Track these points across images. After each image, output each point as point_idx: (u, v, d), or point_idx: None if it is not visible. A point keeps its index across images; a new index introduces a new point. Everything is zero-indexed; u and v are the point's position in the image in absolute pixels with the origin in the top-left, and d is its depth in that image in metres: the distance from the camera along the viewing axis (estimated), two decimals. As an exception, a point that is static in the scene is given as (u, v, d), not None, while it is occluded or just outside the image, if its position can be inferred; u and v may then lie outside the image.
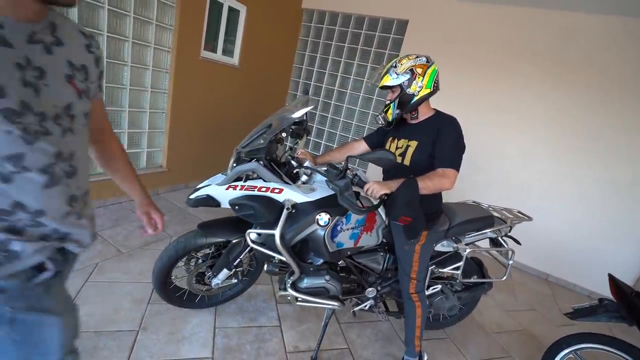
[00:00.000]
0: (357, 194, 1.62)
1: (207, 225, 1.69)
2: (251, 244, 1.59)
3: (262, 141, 1.48)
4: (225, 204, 1.52)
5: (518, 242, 2.01)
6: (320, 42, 4.45)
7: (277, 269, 1.71)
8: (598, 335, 1.62)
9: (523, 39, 3.35)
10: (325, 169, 1.57)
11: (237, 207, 1.48)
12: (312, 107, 1.58)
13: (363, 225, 1.70)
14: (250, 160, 1.49)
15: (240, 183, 1.49)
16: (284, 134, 1.54)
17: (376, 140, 1.87)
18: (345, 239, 1.67)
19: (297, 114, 1.52)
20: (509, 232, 2.01)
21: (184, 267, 1.78)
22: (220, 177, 1.56)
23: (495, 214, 1.99)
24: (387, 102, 1.59)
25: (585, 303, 1.71)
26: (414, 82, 1.51)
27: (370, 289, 1.87)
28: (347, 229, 1.66)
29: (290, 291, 1.70)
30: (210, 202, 1.52)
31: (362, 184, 1.47)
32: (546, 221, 3.35)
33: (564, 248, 3.36)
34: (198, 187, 1.57)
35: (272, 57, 4.24)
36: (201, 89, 3.37)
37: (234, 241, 1.72)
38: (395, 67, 1.52)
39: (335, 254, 1.66)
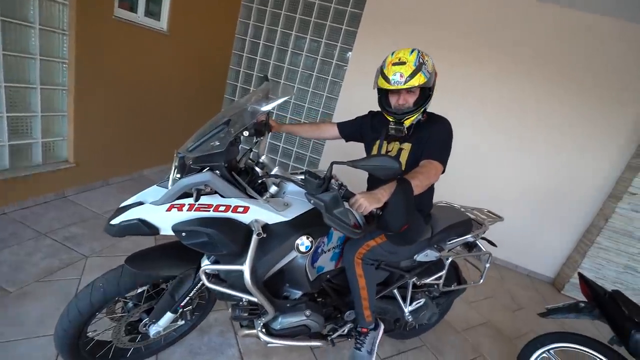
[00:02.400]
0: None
1: (138, 258, 1.21)
2: (208, 284, 1.18)
3: (217, 143, 1.06)
4: (166, 230, 1.08)
5: (494, 244, 1.93)
6: (267, 10, 3.85)
7: (247, 313, 1.33)
8: (571, 334, 1.64)
9: (484, 25, 3.25)
10: (303, 177, 1.18)
11: (184, 234, 1.06)
12: (288, 97, 1.17)
13: (344, 242, 1.44)
14: (201, 170, 1.06)
15: (188, 201, 1.06)
16: (246, 133, 1.14)
17: (349, 132, 1.69)
18: (326, 262, 1.39)
19: (269, 106, 1.16)
20: (484, 234, 1.91)
21: (106, 317, 1.27)
22: (155, 192, 1.11)
23: (470, 215, 1.91)
24: (400, 106, 1.37)
25: (560, 304, 1.71)
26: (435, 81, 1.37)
27: (349, 312, 1.60)
28: (329, 250, 1.38)
29: (263, 337, 1.35)
30: (142, 228, 1.06)
31: (349, 196, 1.15)
32: (489, 206, 3.46)
33: (505, 232, 3.54)
34: (124, 204, 1.11)
35: (210, 24, 3.53)
36: (118, 58, 2.60)
37: (180, 276, 1.27)
38: (424, 63, 1.29)
39: (316, 281, 1.36)
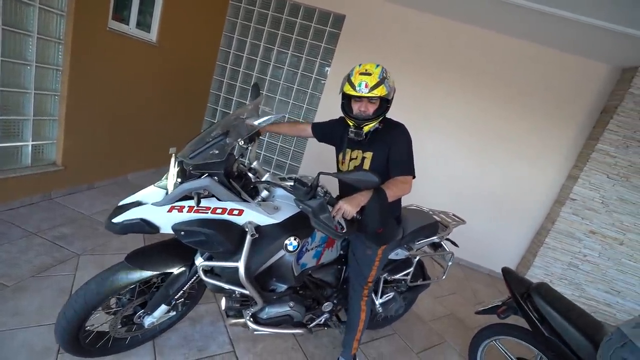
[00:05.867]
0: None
1: (137, 256, 1.34)
2: (204, 278, 1.33)
3: (217, 152, 1.19)
4: (166, 229, 1.21)
5: (456, 245, 2.19)
6: (251, 25, 4.08)
7: (239, 304, 1.50)
8: (511, 326, 1.79)
9: (450, 50, 3.65)
10: (292, 184, 1.38)
11: (183, 233, 1.19)
12: (282, 115, 1.36)
13: (326, 241, 1.59)
14: (200, 176, 1.19)
15: (188, 203, 1.19)
16: (241, 142, 1.30)
17: (321, 133, 1.78)
18: (309, 259, 1.55)
19: (265, 121, 1.27)
20: (448, 235, 2.14)
21: (103, 312, 1.38)
22: (156, 194, 1.22)
23: (437, 218, 2.14)
24: (360, 112, 1.47)
25: (491, 303, 1.91)
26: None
27: (326, 304, 1.77)
28: (312, 249, 1.53)
29: (251, 325, 1.52)
30: (145, 227, 1.18)
31: (333, 202, 1.32)
32: (454, 209, 3.82)
33: (468, 234, 3.89)
34: (122, 204, 1.21)
35: (196, 37, 3.71)
36: (109, 67, 2.72)
37: (175, 272, 1.38)
38: (387, 78, 1.43)
39: (300, 276, 1.52)
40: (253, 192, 1.38)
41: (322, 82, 4.02)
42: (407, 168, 1.48)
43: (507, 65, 3.57)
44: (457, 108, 3.76)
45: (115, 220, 1.17)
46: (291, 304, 1.56)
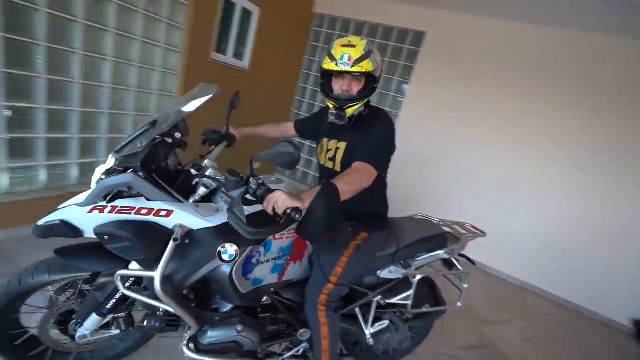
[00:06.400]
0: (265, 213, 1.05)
1: (66, 251, 1.15)
2: (123, 290, 1.10)
3: (139, 144, 1.03)
4: (89, 233, 1.05)
5: (472, 262, 1.76)
6: (330, 48, 4.31)
7: (164, 325, 1.19)
8: None
9: (538, 58, 3.31)
10: (224, 175, 1.08)
11: (107, 237, 1.01)
12: (211, 95, 1.12)
13: (290, 253, 1.30)
14: (125, 171, 1.02)
15: (111, 204, 1.02)
16: (178, 135, 1.13)
17: (303, 128, 1.63)
18: (265, 274, 1.26)
19: (189, 107, 1.10)
20: (463, 250, 1.72)
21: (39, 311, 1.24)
22: (85, 194, 1.06)
23: (447, 229, 1.71)
24: (343, 92, 1.26)
25: None
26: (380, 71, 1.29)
27: (303, 330, 1.44)
28: (267, 261, 1.25)
29: (188, 353, 1.23)
30: (65, 230, 1.03)
31: (265, 194, 1.00)
32: (557, 242, 3.33)
33: (575, 271, 3.33)
34: (58, 207, 1.08)
35: (281, 62, 4.07)
36: (210, 93, 3.16)
37: (101, 280, 1.20)
38: (373, 52, 1.21)
39: (251, 295, 1.22)
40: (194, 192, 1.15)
41: (399, 99, 4.00)
42: (369, 155, 1.19)
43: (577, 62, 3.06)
44: (564, 126, 3.33)
45: (39, 222, 1.05)
46: (239, 327, 1.25)
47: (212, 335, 1.25)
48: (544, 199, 3.44)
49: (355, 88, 1.25)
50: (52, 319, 1.25)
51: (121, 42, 2.36)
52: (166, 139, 1.10)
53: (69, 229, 1.03)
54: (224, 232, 1.06)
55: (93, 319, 1.21)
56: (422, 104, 3.84)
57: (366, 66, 1.19)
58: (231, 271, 1.13)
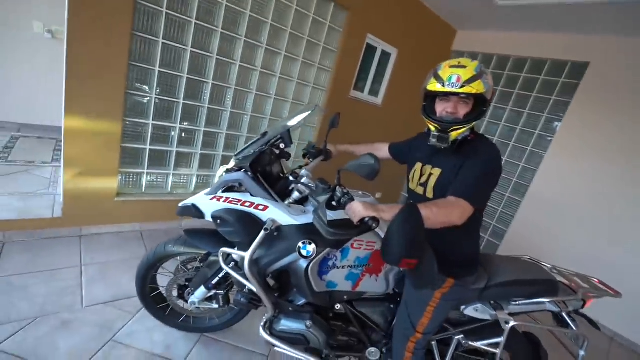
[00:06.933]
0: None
1: (192, 232, 1.48)
2: (223, 265, 1.36)
3: (252, 151, 1.30)
4: (208, 217, 1.33)
5: (596, 327, 1.38)
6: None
7: (247, 301, 1.41)
8: None
9: None
10: (315, 183, 1.27)
11: (218, 221, 1.28)
12: (309, 112, 1.35)
13: (365, 265, 1.34)
14: (239, 170, 1.31)
15: (227, 194, 1.30)
16: (282, 145, 1.33)
17: (396, 151, 1.62)
18: (339, 279, 1.33)
19: (293, 122, 1.35)
20: (582, 308, 1.36)
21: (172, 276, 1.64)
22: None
23: (561, 279, 1.38)
24: (447, 115, 1.19)
25: None
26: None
27: (372, 350, 1.47)
28: (342, 267, 1.32)
29: (263, 333, 1.41)
30: (193, 212, 1.34)
31: (347, 202, 1.09)
32: None
33: None
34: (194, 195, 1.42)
35: (412, 97, 4.18)
36: (349, 125, 3.52)
37: (211, 258, 1.50)
38: (485, 73, 1.14)
39: (323, 295, 1.33)
40: (289, 196, 1.36)
41: (549, 138, 3.50)
42: (467, 189, 1.09)
43: None
44: None
45: (180, 204, 1.38)
46: (308, 323, 1.39)
47: (285, 324, 1.41)
48: None
49: (462, 111, 1.17)
50: (175, 284, 1.63)
51: (283, 84, 2.95)
52: (274, 149, 1.36)
53: (197, 211, 1.34)
54: (307, 231, 1.22)
55: (201, 291, 1.51)
56: (573, 144, 3.27)
57: (477, 87, 1.11)
58: (307, 267, 1.25)
